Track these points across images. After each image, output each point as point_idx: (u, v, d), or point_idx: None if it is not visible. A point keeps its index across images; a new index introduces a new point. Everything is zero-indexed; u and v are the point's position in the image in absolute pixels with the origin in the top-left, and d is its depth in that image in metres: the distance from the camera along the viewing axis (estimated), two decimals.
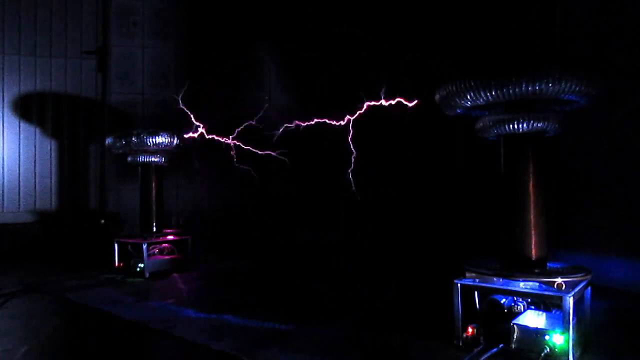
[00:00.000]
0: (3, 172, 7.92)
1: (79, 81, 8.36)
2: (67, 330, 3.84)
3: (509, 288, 3.01)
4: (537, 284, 2.95)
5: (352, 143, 5.26)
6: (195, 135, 5.90)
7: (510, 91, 2.84)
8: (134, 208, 6.79)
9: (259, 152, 6.27)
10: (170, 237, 6.13)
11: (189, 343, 3.31)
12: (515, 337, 2.93)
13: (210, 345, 3.20)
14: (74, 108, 8.34)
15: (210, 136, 5.91)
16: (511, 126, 3.12)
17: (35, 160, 8.12)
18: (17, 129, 8.04)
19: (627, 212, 4.66)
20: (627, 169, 4.68)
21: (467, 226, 6.24)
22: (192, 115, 5.84)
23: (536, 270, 3.09)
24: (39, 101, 8.14)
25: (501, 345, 2.93)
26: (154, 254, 5.90)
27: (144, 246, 5.66)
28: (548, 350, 2.79)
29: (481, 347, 2.98)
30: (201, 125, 5.88)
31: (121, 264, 5.88)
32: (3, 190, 7.91)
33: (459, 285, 3.13)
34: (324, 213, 7.71)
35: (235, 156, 6.14)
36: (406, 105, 4.18)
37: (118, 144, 5.89)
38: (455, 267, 3.32)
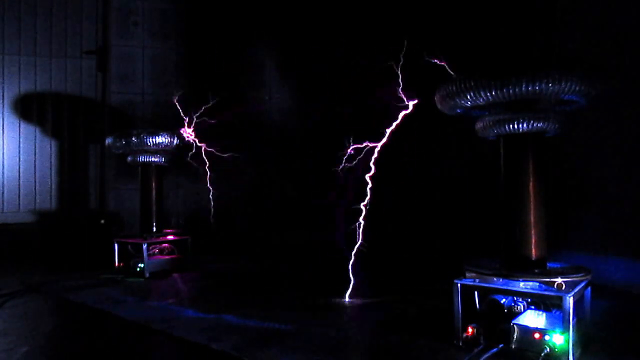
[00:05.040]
0: (3, 172, 7.92)
1: (79, 81, 8.36)
2: (67, 330, 3.84)
3: (509, 288, 3.01)
4: (537, 284, 2.95)
5: (352, 142, 5.26)
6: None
7: (511, 91, 2.84)
8: (134, 208, 6.80)
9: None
10: (170, 237, 6.14)
11: (189, 343, 3.31)
12: (515, 337, 2.93)
13: (210, 345, 3.20)
14: (74, 108, 8.34)
15: (209, 149, 5.95)
16: (511, 126, 3.12)
17: (35, 160, 8.12)
18: (17, 129, 8.05)
19: (627, 212, 4.66)
20: (627, 169, 4.68)
21: (467, 226, 6.25)
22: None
23: (536, 270, 3.09)
24: (39, 101, 8.14)
25: (501, 345, 2.93)
26: (154, 254, 5.90)
27: (144, 246, 5.66)
28: (548, 350, 2.79)
29: (481, 347, 2.98)
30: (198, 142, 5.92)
31: (121, 264, 5.88)
32: (3, 190, 7.91)
33: (459, 285, 3.13)
34: (324, 213, 7.71)
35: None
36: (406, 104, 4.18)
37: (118, 144, 5.89)
38: (455, 267, 3.33)
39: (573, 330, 2.77)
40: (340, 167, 5.05)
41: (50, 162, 8.20)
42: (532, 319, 3.02)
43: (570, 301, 2.76)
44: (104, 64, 8.37)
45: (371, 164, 5.16)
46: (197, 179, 8.53)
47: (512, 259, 3.21)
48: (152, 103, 8.28)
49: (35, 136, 8.13)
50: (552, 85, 2.79)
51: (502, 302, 3.07)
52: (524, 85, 2.80)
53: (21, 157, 8.04)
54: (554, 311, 3.05)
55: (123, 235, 6.32)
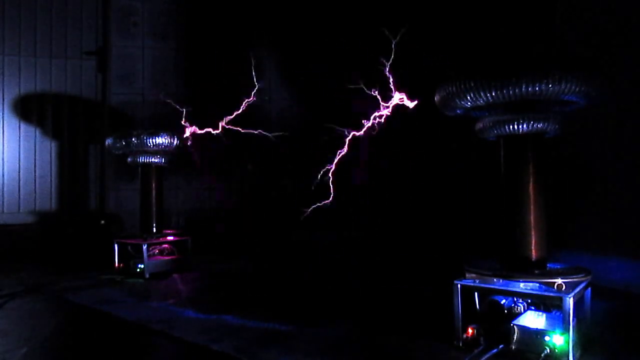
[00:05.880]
0: (3, 173, 7.92)
1: (79, 82, 8.36)
2: (67, 331, 3.84)
3: (509, 289, 3.01)
4: (537, 284, 2.94)
5: (352, 143, 5.26)
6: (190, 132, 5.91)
7: (511, 92, 2.84)
8: (134, 208, 6.79)
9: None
10: (170, 238, 6.13)
11: (189, 344, 3.31)
12: (515, 337, 2.93)
13: (210, 346, 3.20)
14: (74, 109, 8.34)
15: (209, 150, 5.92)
16: (511, 127, 3.11)
17: (35, 161, 8.12)
18: (17, 129, 8.05)
19: (628, 213, 4.66)
20: (628, 170, 4.68)
21: (467, 226, 6.25)
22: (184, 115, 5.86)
23: (536, 271, 3.09)
24: (39, 102, 8.14)
25: (501, 346, 2.93)
26: (154, 254, 5.89)
27: (144, 247, 5.66)
28: (548, 351, 2.79)
29: (481, 347, 2.98)
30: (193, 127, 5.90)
31: (121, 265, 5.87)
32: (3, 191, 7.91)
33: (459, 286, 3.13)
34: (324, 213, 7.71)
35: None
36: (406, 105, 4.18)
37: (118, 145, 5.89)
38: (455, 268, 3.33)
39: (573, 331, 2.76)
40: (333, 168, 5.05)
41: (50, 162, 8.20)
42: (532, 319, 3.02)
43: (570, 302, 2.75)
44: (104, 64, 8.37)
45: (371, 164, 5.17)
46: (197, 179, 8.54)
47: (512, 259, 3.21)
48: (152, 103, 8.27)
49: (35, 137, 8.13)
50: (552, 86, 2.78)
51: (502, 302, 3.07)
52: (524, 86, 2.80)
53: (21, 157, 8.04)
54: (554, 312, 3.04)
55: (123, 236, 6.31)
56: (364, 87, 4.94)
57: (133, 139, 5.74)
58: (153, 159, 6.00)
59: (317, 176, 7.66)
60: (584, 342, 3.03)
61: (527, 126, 3.09)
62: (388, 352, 3.11)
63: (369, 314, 4.00)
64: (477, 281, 3.14)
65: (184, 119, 5.88)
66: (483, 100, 2.96)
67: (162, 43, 8.39)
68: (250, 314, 3.94)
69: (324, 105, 7.80)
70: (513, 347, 2.93)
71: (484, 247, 4.23)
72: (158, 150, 5.91)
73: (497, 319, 3.04)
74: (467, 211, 6.33)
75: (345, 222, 7.52)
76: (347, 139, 5.20)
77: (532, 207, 3.17)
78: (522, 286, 2.98)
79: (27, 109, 8.08)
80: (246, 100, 8.53)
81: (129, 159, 6.08)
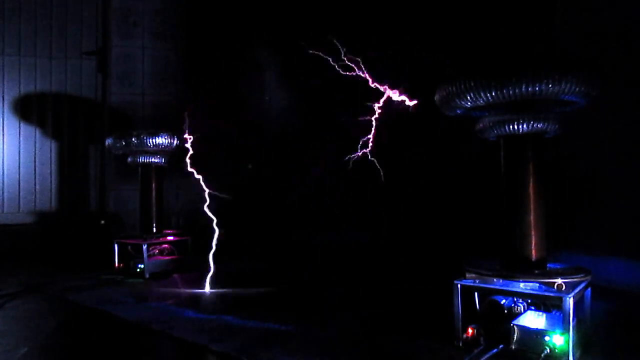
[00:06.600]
0: (3, 173, 7.93)
1: (79, 82, 8.37)
2: (67, 331, 3.84)
3: (509, 289, 3.01)
4: (537, 284, 2.94)
5: (352, 143, 5.26)
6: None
7: (511, 92, 2.84)
8: (134, 208, 6.80)
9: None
10: (170, 238, 6.13)
11: (189, 344, 3.31)
12: (515, 337, 2.93)
13: (210, 346, 3.20)
14: (74, 109, 8.35)
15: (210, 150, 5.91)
16: (511, 127, 3.11)
17: (35, 161, 8.12)
18: (17, 129, 8.05)
19: (628, 213, 4.66)
20: (628, 170, 4.68)
21: (467, 226, 6.25)
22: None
23: (536, 271, 3.08)
24: (39, 102, 8.15)
25: (501, 346, 2.93)
26: (154, 254, 5.90)
27: (144, 247, 5.66)
28: (548, 351, 2.79)
29: (481, 347, 2.98)
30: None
31: (121, 265, 5.88)
32: (3, 191, 7.92)
33: (459, 286, 3.13)
34: (323, 213, 7.71)
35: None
36: (406, 104, 4.18)
37: (118, 145, 5.89)
38: (455, 268, 3.32)
39: (573, 331, 2.76)
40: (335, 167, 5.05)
41: (50, 162, 8.20)
42: (532, 319, 3.02)
43: (570, 302, 2.75)
44: (104, 64, 8.37)
45: (370, 164, 5.15)
46: (197, 179, 8.54)
47: (512, 259, 3.21)
48: (152, 103, 8.28)
49: (35, 137, 8.14)
50: (552, 86, 2.78)
51: (502, 302, 3.07)
52: (524, 86, 2.80)
53: (21, 157, 8.05)
54: (554, 312, 3.04)
55: (123, 236, 6.31)
56: (363, 86, 4.94)
57: (133, 139, 5.74)
58: (153, 159, 6.00)
59: (317, 176, 7.67)
60: (584, 342, 3.03)
61: (527, 126, 3.09)
62: (388, 352, 3.11)
63: (369, 314, 4.00)
64: (477, 281, 3.13)
65: (187, 119, 5.88)
66: (483, 100, 2.96)
67: (162, 43, 8.38)
68: (250, 314, 3.94)
69: (323, 105, 7.79)
70: (513, 347, 2.93)
71: (484, 247, 4.23)
72: (158, 150, 5.92)
73: (497, 319, 3.04)
74: (467, 211, 6.33)
75: (345, 222, 7.52)
76: (345, 139, 5.20)
77: (532, 207, 3.17)
78: (522, 286, 2.98)
79: (27, 109, 8.08)
80: (246, 100, 8.54)
81: (129, 159, 6.08)
